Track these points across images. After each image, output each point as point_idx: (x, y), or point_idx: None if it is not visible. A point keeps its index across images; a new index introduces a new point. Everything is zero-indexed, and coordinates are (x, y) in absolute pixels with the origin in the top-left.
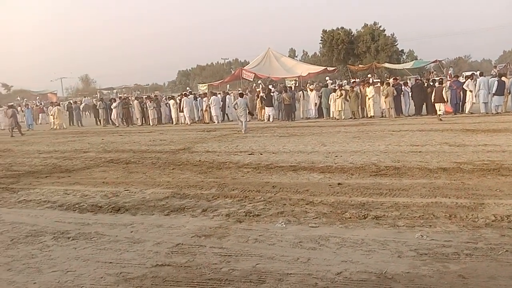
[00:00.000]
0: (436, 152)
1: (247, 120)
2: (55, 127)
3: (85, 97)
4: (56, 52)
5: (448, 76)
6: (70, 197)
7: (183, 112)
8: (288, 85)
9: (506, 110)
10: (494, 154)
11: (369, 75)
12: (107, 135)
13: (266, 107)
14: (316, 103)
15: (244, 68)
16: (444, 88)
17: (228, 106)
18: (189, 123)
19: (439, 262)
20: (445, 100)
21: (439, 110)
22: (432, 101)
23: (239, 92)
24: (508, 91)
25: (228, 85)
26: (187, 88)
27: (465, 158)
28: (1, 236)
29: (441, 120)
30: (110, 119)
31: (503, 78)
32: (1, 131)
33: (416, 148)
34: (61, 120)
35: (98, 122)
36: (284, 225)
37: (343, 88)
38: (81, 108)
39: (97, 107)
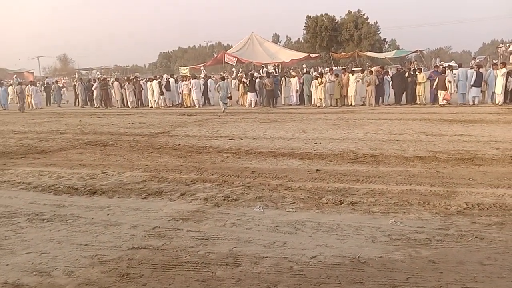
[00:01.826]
0: (413, 141)
1: (227, 102)
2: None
3: (47, 77)
4: (33, 31)
5: (434, 66)
6: (45, 179)
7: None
8: (271, 71)
9: (483, 102)
10: (469, 144)
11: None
12: (85, 117)
13: (248, 93)
14: (297, 90)
15: (227, 52)
16: (447, 77)
17: (210, 90)
18: (153, 106)
19: (411, 248)
20: (447, 88)
21: (440, 97)
22: (435, 87)
23: (221, 75)
24: (485, 83)
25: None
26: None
27: (441, 148)
28: None
29: (442, 106)
30: (90, 100)
31: (481, 70)
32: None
33: (394, 137)
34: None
35: (77, 103)
36: (262, 210)
37: (324, 76)
38: (42, 89)
39: (76, 88)
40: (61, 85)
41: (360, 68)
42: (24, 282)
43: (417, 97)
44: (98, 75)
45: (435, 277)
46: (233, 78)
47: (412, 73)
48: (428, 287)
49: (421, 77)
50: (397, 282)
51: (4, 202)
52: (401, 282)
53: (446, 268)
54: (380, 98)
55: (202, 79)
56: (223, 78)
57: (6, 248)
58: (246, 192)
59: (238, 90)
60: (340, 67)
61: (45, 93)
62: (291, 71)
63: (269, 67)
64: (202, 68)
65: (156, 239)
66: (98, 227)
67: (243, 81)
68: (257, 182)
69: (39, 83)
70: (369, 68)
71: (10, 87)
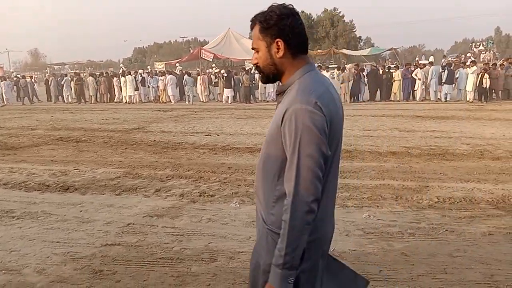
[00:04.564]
0: (387, 136)
1: (193, 95)
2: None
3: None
4: (3, 25)
5: (405, 65)
6: (15, 175)
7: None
8: (248, 67)
9: (455, 99)
10: (440, 140)
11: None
12: (57, 112)
13: (224, 89)
14: (275, 86)
15: (203, 47)
16: (416, 74)
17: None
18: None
19: (384, 241)
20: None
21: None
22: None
23: (186, 71)
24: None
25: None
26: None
27: (414, 143)
28: None
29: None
30: (61, 95)
31: (452, 68)
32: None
33: (368, 133)
34: None
35: (49, 98)
36: (238, 205)
37: None
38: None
39: (49, 83)
40: (30, 80)
41: (336, 66)
42: None
43: (392, 94)
44: (66, 70)
45: (407, 269)
46: (198, 74)
47: (386, 70)
48: (400, 279)
49: (397, 74)
50: (370, 274)
51: None
52: (374, 275)
53: (418, 260)
54: (357, 95)
55: (177, 75)
56: (188, 74)
57: None
58: (222, 188)
59: (217, 86)
60: (316, 64)
61: (16, 88)
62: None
63: (245, 63)
64: (177, 64)
65: (130, 235)
66: (70, 224)
67: (223, 76)
68: (234, 178)
69: (9, 79)
70: (344, 65)
71: None
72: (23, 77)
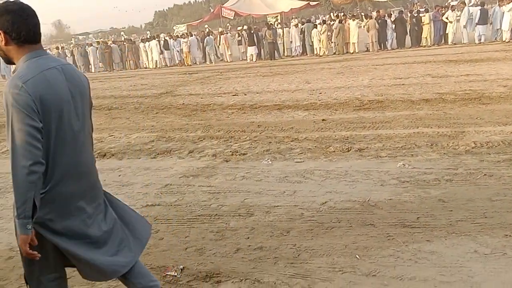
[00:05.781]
0: (419, 84)
1: (216, 54)
2: None
3: None
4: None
5: (435, 7)
6: None
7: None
8: (270, 22)
9: (490, 40)
10: (475, 84)
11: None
12: None
13: (248, 47)
14: (300, 40)
15: (224, 5)
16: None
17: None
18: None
19: (420, 188)
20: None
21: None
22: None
23: (207, 31)
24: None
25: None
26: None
27: (447, 89)
28: None
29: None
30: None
31: (485, 7)
32: None
33: (399, 81)
34: None
35: (79, 69)
36: (270, 162)
37: (326, 23)
38: None
39: (74, 53)
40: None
41: (363, 14)
42: None
43: (423, 40)
44: (90, 39)
45: (445, 215)
46: (221, 34)
47: (415, 15)
48: (438, 225)
49: (426, 17)
50: (408, 222)
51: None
52: (411, 222)
53: (456, 206)
54: (384, 42)
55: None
56: (208, 34)
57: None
58: (253, 146)
59: (241, 44)
60: (342, 13)
61: None
62: (291, 21)
63: (267, 18)
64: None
65: (169, 195)
66: (111, 188)
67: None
68: (264, 136)
69: None
70: (371, 12)
71: None
72: (57, 48)
